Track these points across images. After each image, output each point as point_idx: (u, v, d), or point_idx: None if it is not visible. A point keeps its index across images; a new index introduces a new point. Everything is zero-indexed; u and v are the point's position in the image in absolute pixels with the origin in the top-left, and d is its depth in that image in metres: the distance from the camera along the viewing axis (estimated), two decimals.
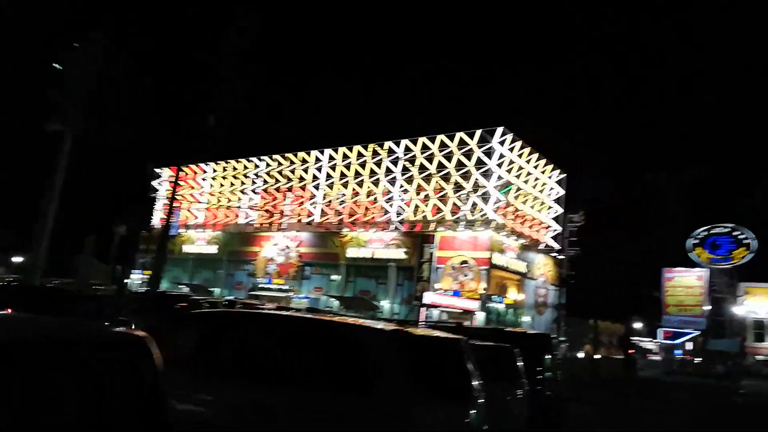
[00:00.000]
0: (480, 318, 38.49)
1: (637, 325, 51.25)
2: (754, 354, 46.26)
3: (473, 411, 4.35)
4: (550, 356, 10.45)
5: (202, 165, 56.90)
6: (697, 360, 38.65)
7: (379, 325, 4.45)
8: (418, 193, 44.80)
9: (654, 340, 50.82)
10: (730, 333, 41.34)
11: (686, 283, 41.37)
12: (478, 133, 41.27)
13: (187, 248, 55.68)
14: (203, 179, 57.75)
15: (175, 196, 18.64)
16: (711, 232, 42.22)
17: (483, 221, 40.58)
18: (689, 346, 48.35)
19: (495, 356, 7.23)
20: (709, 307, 40.93)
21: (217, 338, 4.65)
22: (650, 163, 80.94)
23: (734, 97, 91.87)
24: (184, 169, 57.37)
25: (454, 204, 42.50)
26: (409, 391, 3.78)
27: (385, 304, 42.25)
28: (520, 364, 7.77)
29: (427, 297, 36.40)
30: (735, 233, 41.43)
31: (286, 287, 47.76)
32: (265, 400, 3.91)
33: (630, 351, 33.48)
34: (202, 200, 56.61)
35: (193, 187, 57.85)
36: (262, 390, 3.95)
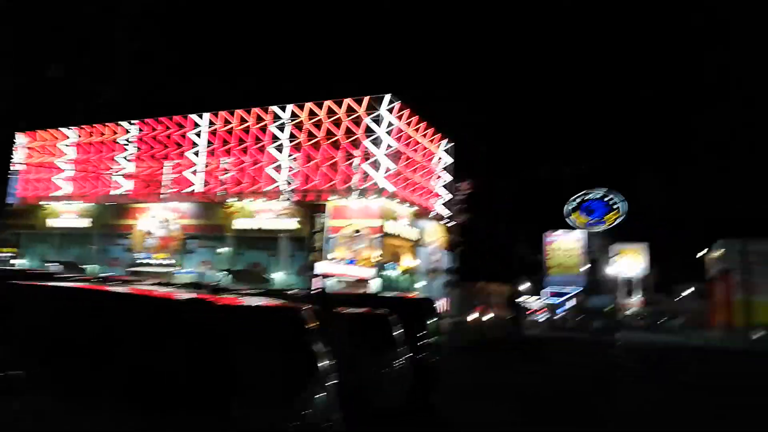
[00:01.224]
0: (375, 285, 38.25)
1: (525, 286, 53.85)
2: (624, 309, 50.31)
3: (319, 396, 3.16)
4: (433, 321, 9.66)
5: (64, 130, 51.19)
6: (577, 317, 41.23)
7: (164, 290, 3.04)
8: (307, 161, 43.37)
9: (540, 300, 53.69)
10: (605, 290, 44.46)
11: (565, 245, 43.67)
12: (366, 99, 40.50)
13: (52, 222, 50.10)
14: (66, 145, 51.90)
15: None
16: (585, 197, 44.74)
17: (375, 190, 40.03)
18: (571, 303, 51.50)
19: (367, 325, 6.12)
20: (586, 267, 43.62)
21: None
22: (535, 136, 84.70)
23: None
24: (40, 133, 51.61)
25: (345, 172, 41.71)
26: (218, 382, 2.49)
27: (278, 276, 40.77)
28: (396, 332, 6.73)
29: (320, 266, 35.26)
30: (607, 198, 44.25)
31: (169, 262, 44.56)
32: None
33: (520, 311, 34.86)
34: (66, 168, 50.96)
35: (54, 155, 51.95)
36: None
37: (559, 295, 43.94)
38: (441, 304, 33.25)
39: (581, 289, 43.51)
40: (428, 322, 9.71)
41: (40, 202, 51.45)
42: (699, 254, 54.99)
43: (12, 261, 49.11)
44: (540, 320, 43.64)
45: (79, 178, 50.85)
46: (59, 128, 51.34)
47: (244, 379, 2.76)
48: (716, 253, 47.53)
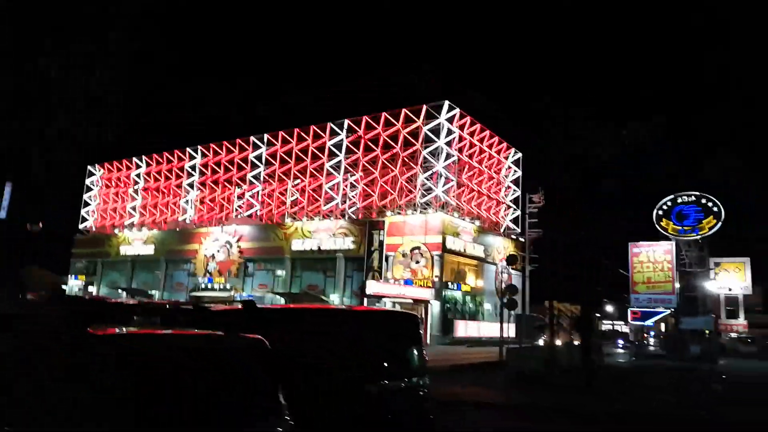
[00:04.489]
0: (435, 307, 35.43)
1: (606, 306, 48.50)
2: (727, 332, 43.76)
3: None
4: (416, 351, 6.94)
5: (136, 160, 53.15)
6: (669, 342, 35.56)
7: None
8: (365, 177, 41.88)
9: (626, 323, 48.12)
10: (703, 310, 38.52)
11: (654, 257, 38.27)
12: (424, 109, 38.45)
13: (124, 249, 51.59)
14: (136, 175, 53.67)
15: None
16: (677, 201, 39.06)
17: (435, 204, 37.54)
18: (662, 326, 45.87)
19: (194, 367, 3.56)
20: (678, 285, 37.87)
21: None
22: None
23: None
24: (115, 164, 53.47)
25: (403, 186, 39.77)
26: None
27: (334, 298, 39.07)
28: (269, 378, 4.02)
29: (371, 287, 32.86)
30: (702, 201, 38.34)
31: (228, 286, 44.24)
32: None
33: (596, 335, 30.43)
34: (137, 197, 52.68)
35: (127, 184, 53.95)
36: None
37: (648, 315, 38.54)
38: (506, 328, 29.79)
39: (673, 308, 37.84)
40: (413, 351, 7.03)
41: (115, 230, 53.26)
42: None
43: (89, 289, 51.06)
44: (623, 345, 38.47)
45: (148, 206, 52.29)
46: (131, 158, 53.24)
47: None
48: None
